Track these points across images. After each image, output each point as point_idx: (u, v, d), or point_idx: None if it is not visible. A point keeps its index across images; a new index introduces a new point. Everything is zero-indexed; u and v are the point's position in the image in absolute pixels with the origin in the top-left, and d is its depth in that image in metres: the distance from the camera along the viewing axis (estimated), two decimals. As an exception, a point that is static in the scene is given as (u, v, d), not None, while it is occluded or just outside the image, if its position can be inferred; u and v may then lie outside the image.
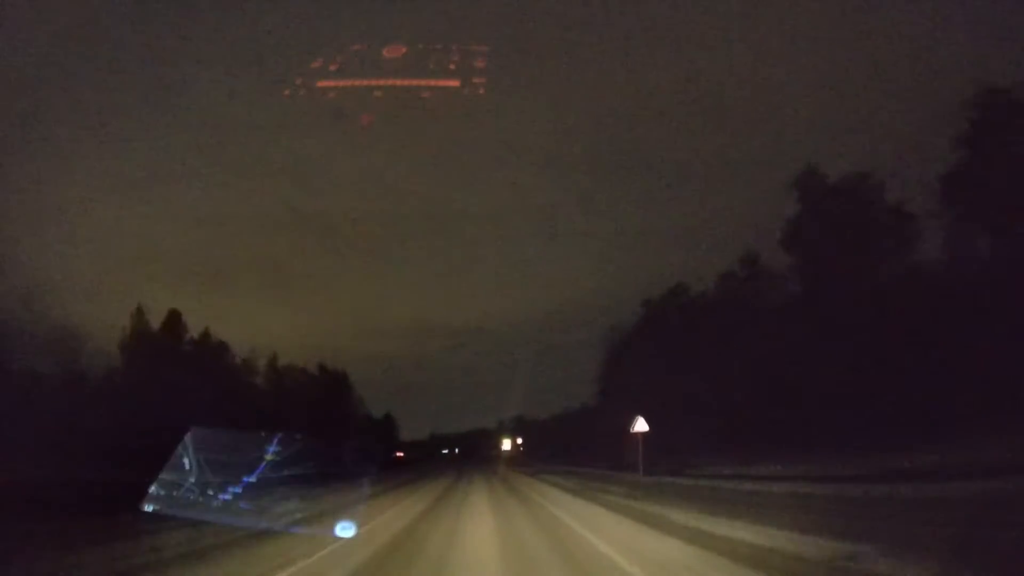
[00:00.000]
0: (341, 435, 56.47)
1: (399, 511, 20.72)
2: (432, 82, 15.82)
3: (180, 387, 38.07)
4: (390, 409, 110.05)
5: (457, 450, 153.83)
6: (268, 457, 14.17)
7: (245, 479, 14.91)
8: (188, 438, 12.59)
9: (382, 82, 15.74)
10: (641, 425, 31.01)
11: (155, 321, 49.74)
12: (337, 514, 16.66)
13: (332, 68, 15.45)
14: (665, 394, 40.25)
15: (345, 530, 12.11)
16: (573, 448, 72.30)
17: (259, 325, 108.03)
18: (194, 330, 53.92)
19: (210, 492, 14.29)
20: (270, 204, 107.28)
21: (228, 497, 15.23)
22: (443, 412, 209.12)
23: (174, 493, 13.56)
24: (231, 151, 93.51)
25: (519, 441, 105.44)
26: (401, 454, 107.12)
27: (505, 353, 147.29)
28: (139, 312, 48.45)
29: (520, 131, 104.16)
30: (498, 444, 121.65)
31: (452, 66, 15.56)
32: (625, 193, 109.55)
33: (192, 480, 13.28)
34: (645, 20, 78.27)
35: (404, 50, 15.74)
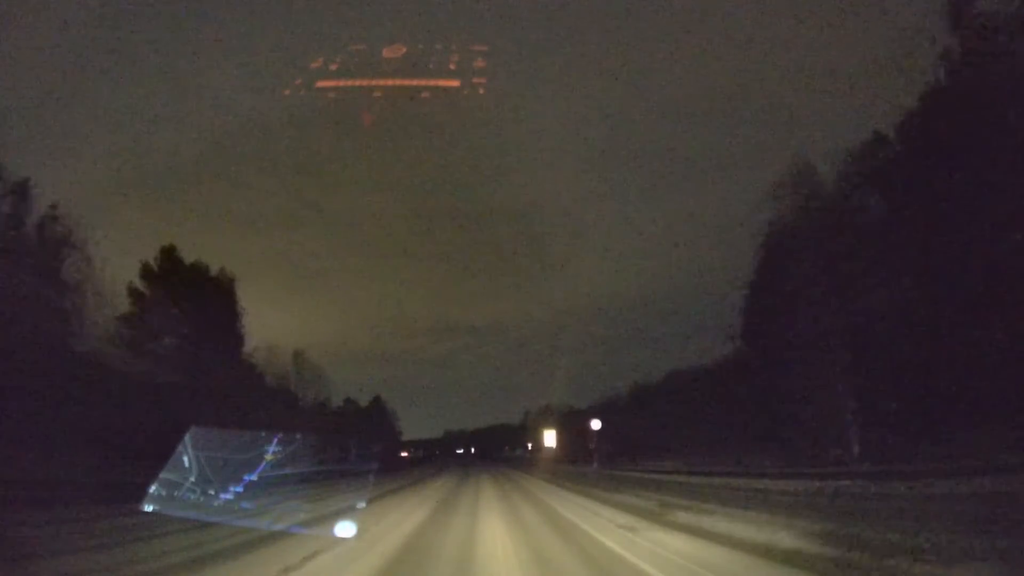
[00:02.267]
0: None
1: (405, 512, 20.74)
2: (432, 82, 15.87)
3: None
4: (404, 407, 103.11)
5: (473, 449, 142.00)
6: (268, 457, 14.18)
7: (247, 477, 14.87)
8: (187, 437, 12.60)
9: (382, 82, 15.80)
10: None
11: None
12: (345, 514, 16.55)
13: (332, 68, 15.51)
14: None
15: (346, 530, 12.21)
16: (663, 438, 46.61)
17: (279, 323, 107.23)
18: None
19: (211, 492, 14.24)
20: (290, 202, 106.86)
21: (230, 496, 15.18)
22: (461, 410, 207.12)
23: (175, 493, 13.51)
24: (250, 149, 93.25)
25: (595, 427, 52.31)
26: (406, 453, 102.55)
27: (528, 350, 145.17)
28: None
29: (538, 130, 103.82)
30: (534, 440, 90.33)
31: (452, 66, 15.61)
32: (649, 188, 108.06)
33: (193, 479, 13.25)
34: (648, 16, 78.16)
35: (404, 50, 15.78)
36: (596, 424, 48.47)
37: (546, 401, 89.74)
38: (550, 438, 67.54)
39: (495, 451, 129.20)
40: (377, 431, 76.59)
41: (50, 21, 48.36)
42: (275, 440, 14.42)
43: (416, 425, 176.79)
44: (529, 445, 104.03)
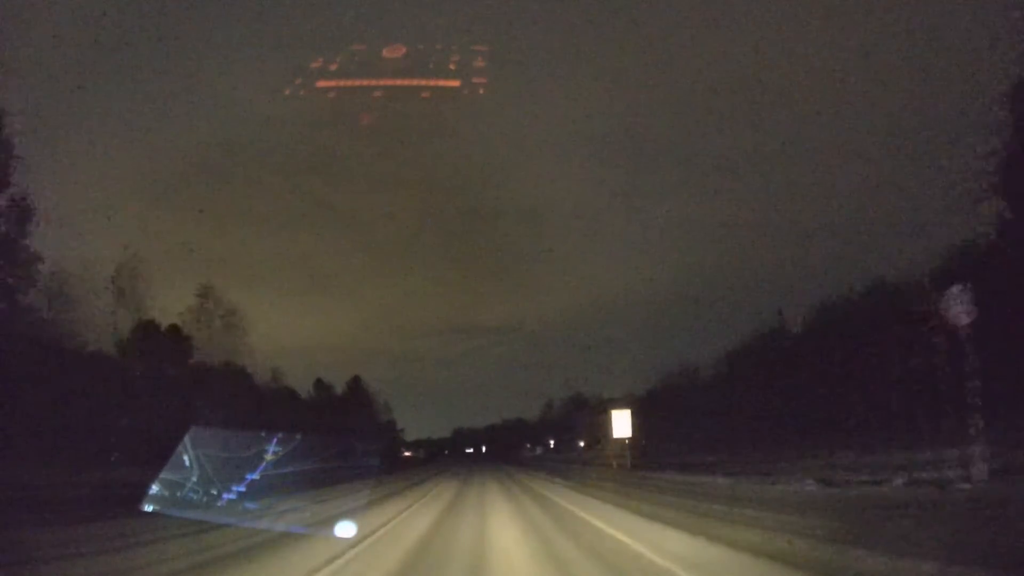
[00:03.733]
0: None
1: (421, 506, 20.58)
2: (432, 82, 15.87)
3: None
4: (414, 407, 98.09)
5: (484, 448, 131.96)
6: (268, 457, 14.21)
7: (249, 476, 14.89)
8: (187, 436, 12.62)
9: (382, 82, 15.81)
10: None
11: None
12: (349, 515, 16.39)
13: (332, 68, 15.54)
14: None
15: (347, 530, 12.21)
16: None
17: (289, 323, 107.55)
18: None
19: (213, 492, 14.24)
20: (301, 201, 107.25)
21: (232, 496, 15.18)
22: (474, 410, 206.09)
23: (177, 493, 13.50)
24: (257, 148, 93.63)
25: None
26: (409, 453, 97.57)
27: (541, 349, 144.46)
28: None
29: (541, 129, 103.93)
30: (559, 435, 78.42)
31: (452, 66, 15.59)
32: (658, 185, 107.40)
33: (194, 479, 13.27)
34: (649, 14, 77.95)
35: (404, 50, 15.79)
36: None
37: (572, 391, 79.36)
38: (622, 422, 37.50)
39: (510, 450, 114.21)
40: (362, 425, 60.40)
41: (55, 24, 48.74)
42: (274, 440, 14.47)
43: (427, 425, 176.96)
44: (552, 442, 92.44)
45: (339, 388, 66.16)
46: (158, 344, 33.64)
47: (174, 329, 35.63)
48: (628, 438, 37.96)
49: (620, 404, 42.25)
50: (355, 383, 68.21)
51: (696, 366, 51.82)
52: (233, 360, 38.79)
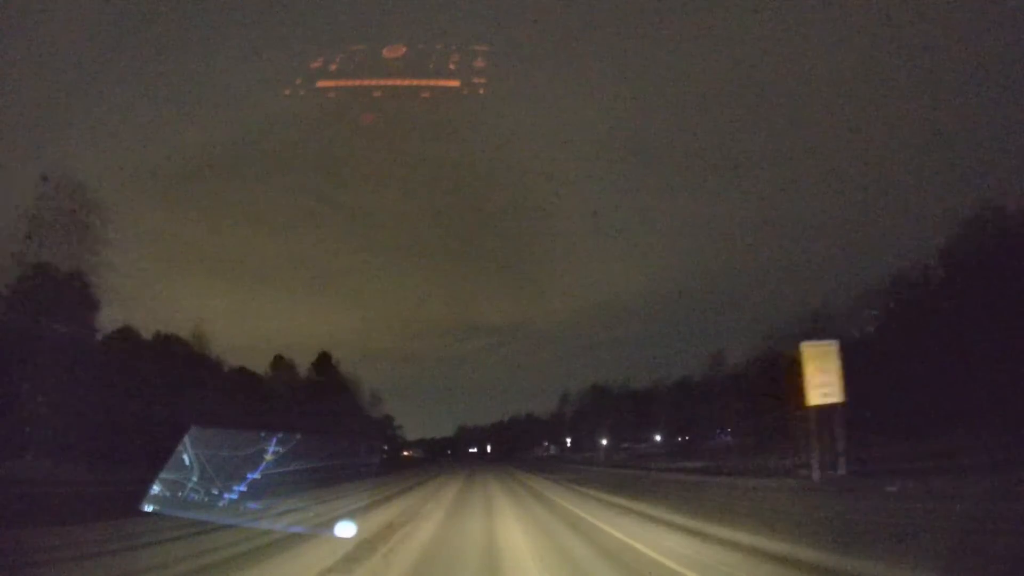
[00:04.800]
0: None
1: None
2: (432, 82, 15.90)
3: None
4: (420, 408, 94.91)
5: (489, 447, 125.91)
6: (268, 457, 14.19)
7: (249, 475, 14.85)
8: (187, 436, 12.61)
9: (382, 82, 15.83)
10: None
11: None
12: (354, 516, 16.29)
13: (332, 68, 15.56)
14: None
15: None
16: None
17: (295, 323, 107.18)
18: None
19: (214, 491, 14.21)
20: (302, 200, 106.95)
21: (234, 496, 15.15)
22: (481, 409, 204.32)
23: (178, 493, 13.47)
24: (262, 147, 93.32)
25: None
26: (408, 453, 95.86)
27: (548, 350, 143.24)
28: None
29: (544, 128, 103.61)
30: (576, 434, 71.26)
31: (452, 66, 15.62)
32: (663, 184, 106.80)
33: (195, 479, 13.24)
34: (651, 12, 77.78)
35: (404, 50, 15.81)
36: None
37: (577, 383, 70.92)
38: (825, 369, 21.17)
39: (519, 450, 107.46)
40: (341, 416, 49.89)
41: (55, 23, 48.76)
42: (274, 440, 14.45)
43: (432, 424, 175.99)
44: (568, 441, 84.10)
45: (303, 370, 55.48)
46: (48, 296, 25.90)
47: (75, 278, 27.45)
48: (839, 405, 20.16)
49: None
50: (323, 361, 55.41)
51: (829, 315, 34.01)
52: (79, 269, 27.88)
